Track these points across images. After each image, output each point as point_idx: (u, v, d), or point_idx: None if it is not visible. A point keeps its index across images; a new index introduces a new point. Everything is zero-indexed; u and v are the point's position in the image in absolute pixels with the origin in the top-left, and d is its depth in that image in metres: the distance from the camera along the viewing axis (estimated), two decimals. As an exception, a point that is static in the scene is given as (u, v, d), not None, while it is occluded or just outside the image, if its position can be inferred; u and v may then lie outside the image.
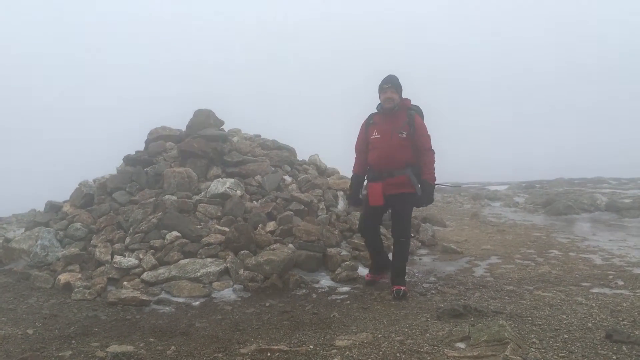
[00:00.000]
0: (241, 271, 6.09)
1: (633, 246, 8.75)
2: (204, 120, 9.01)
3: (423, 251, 8.28)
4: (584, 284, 5.97)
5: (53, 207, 8.24)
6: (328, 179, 9.09)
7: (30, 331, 4.56)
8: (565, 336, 4.07)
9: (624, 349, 3.77)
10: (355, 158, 6.07)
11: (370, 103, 6.03)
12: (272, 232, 6.99)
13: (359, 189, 6.14)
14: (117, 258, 6.22)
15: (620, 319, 4.51)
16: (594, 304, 5.01)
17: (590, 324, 4.36)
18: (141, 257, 6.30)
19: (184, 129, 9.29)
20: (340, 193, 8.58)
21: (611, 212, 13.86)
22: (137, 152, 8.92)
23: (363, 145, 5.92)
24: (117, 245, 6.61)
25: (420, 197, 5.67)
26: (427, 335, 4.19)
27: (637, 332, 4.13)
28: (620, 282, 5.95)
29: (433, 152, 5.71)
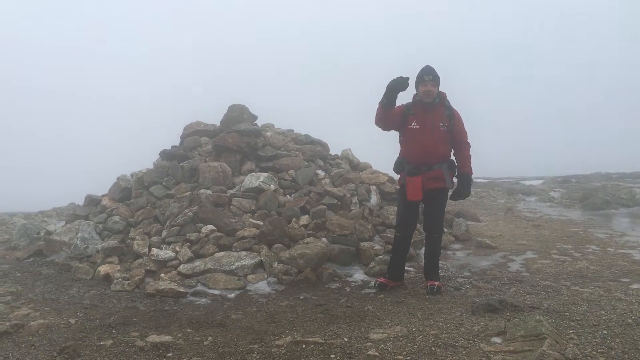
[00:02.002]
0: (275, 264, 6.16)
1: (674, 242, 8.52)
2: (237, 115, 9.11)
3: (457, 246, 8.21)
4: (623, 279, 5.85)
5: (92, 201, 8.45)
6: (361, 173, 9.09)
7: (72, 321, 4.70)
8: (605, 332, 4.00)
9: (666, 345, 3.69)
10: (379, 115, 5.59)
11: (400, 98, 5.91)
12: (305, 226, 7.04)
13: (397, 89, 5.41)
14: (154, 251, 6.35)
15: (661, 316, 4.41)
16: (634, 300, 4.91)
17: (630, 320, 4.28)
18: (177, 249, 6.42)
19: (218, 124, 9.41)
20: (373, 187, 8.57)
21: (651, 207, 13.51)
22: (173, 146, 9.07)
23: (395, 121, 5.59)
24: (154, 238, 6.75)
25: (457, 190, 5.61)
26: (462, 329, 4.18)
27: (679, 329, 4.04)
28: (661, 279, 5.81)
29: (470, 146, 5.65)
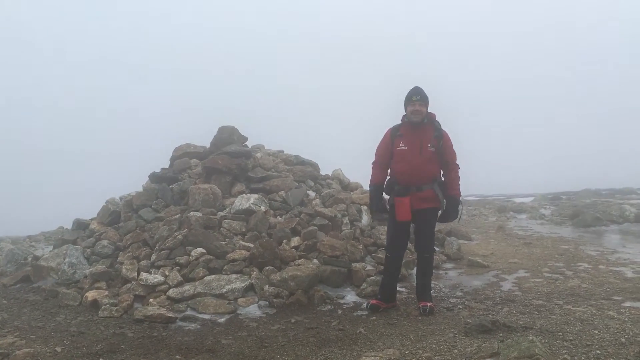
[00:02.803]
0: (266, 287, 6.09)
1: (665, 258, 8.54)
2: (227, 136, 9.09)
3: (449, 265, 8.19)
4: (616, 297, 5.84)
5: (80, 225, 8.37)
6: (351, 193, 9.07)
7: (58, 349, 4.61)
8: (598, 352, 3.98)
9: (660, 365, 3.67)
10: (375, 167, 5.87)
11: (390, 118, 5.96)
12: (296, 248, 6.99)
13: (381, 199, 5.91)
14: (143, 275, 6.27)
15: (655, 334, 4.39)
16: (626, 319, 4.89)
17: (623, 339, 4.26)
18: (167, 273, 6.34)
19: (208, 145, 9.38)
20: (364, 207, 8.56)
21: (641, 224, 13.56)
22: (163, 169, 9.02)
23: (386, 156, 5.75)
24: (143, 262, 6.67)
25: (447, 213, 5.60)
26: (456, 351, 4.14)
27: (672, 348, 4.02)
28: (653, 296, 5.80)
29: (459, 167, 5.65)
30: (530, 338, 3.90)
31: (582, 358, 3.86)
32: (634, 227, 13.35)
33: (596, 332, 4.49)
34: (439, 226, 6.12)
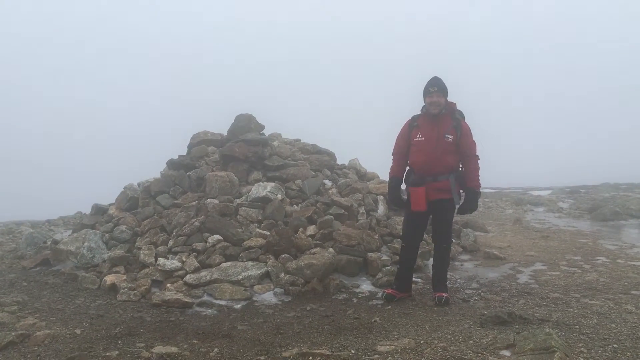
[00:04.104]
0: (282, 275, 6.13)
1: (685, 254, 8.43)
2: (245, 124, 9.11)
3: (465, 257, 8.15)
4: (634, 292, 5.78)
5: (99, 210, 8.46)
6: (368, 183, 9.06)
7: (78, 331, 4.68)
8: (615, 345, 3.95)
9: (678, 360, 3.63)
10: (394, 160, 5.88)
11: (412, 107, 5.93)
12: (312, 236, 7.01)
13: (399, 191, 5.93)
14: (161, 260, 6.33)
15: (674, 329, 4.35)
16: (644, 313, 4.84)
17: (641, 334, 4.22)
18: (184, 259, 6.40)
19: (225, 133, 9.42)
20: (381, 197, 8.54)
21: (661, 219, 13.38)
22: (180, 156, 9.08)
23: (404, 147, 5.75)
24: (161, 248, 6.74)
25: (464, 205, 5.57)
26: (471, 342, 4.13)
27: (691, 343, 3.98)
28: (673, 291, 5.74)
29: (478, 159, 5.60)
30: (547, 330, 3.88)
31: (599, 351, 3.83)
32: (653, 222, 13.18)
33: (613, 325, 4.46)
34: (455, 217, 6.08)
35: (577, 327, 4.44)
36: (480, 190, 5.61)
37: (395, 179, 5.86)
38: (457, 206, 5.62)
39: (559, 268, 7.26)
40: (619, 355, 3.77)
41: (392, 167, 5.90)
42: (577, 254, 8.46)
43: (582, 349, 3.89)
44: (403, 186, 5.90)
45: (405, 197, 5.83)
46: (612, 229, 12.13)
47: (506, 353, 3.80)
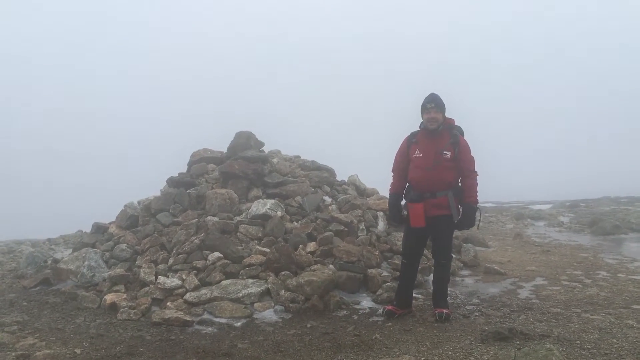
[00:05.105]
0: (282, 292, 6.12)
1: (686, 267, 8.41)
2: (244, 142, 9.15)
3: (465, 272, 8.14)
4: (635, 306, 5.76)
5: (99, 229, 8.47)
6: (368, 199, 9.07)
7: (78, 351, 4.67)
8: (617, 361, 3.94)
9: (680, 375, 3.62)
10: (394, 176, 5.92)
11: (409, 124, 5.97)
12: (312, 253, 7.01)
13: (399, 208, 5.94)
14: (161, 279, 6.33)
15: (675, 344, 4.34)
16: (646, 328, 4.83)
17: (642, 349, 4.21)
18: (184, 277, 6.39)
19: (225, 150, 9.45)
20: (380, 213, 8.55)
21: (661, 232, 13.38)
22: (180, 174, 9.11)
23: (403, 164, 5.79)
24: (161, 266, 6.74)
25: (462, 220, 5.57)
26: (472, 358, 4.12)
27: (693, 358, 3.97)
28: (674, 305, 5.72)
29: (476, 174, 5.62)
30: (548, 346, 3.88)
31: (601, 367, 3.83)
32: (654, 236, 13.18)
33: (615, 340, 4.45)
34: (455, 233, 6.09)
35: (578, 342, 4.43)
36: (478, 205, 5.61)
37: (395, 195, 5.89)
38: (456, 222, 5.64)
39: (560, 283, 7.25)
40: (620, 370, 3.76)
41: (392, 184, 5.93)
42: (578, 268, 8.45)
43: (583, 364, 3.88)
44: (403, 202, 5.92)
45: (405, 213, 5.84)
46: (612, 243, 12.12)
47: (507, 369, 3.79)
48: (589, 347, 4.30)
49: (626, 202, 21.40)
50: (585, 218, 16.15)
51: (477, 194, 5.58)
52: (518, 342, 4.42)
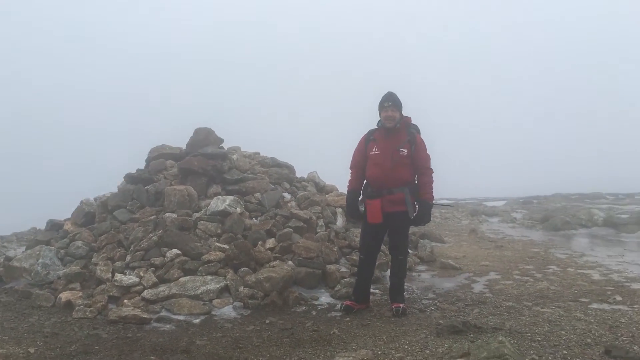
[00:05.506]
0: (241, 288, 6.13)
1: (631, 261, 8.80)
2: (203, 138, 9.09)
3: (422, 267, 8.31)
4: (583, 299, 6.01)
5: (54, 226, 8.28)
6: (327, 195, 9.14)
7: (31, 350, 4.58)
8: (565, 352, 4.11)
9: (622, 364, 3.81)
10: (352, 173, 5.99)
11: (368, 121, 6.06)
12: (271, 249, 7.03)
13: (356, 204, 6.03)
14: (118, 276, 6.25)
15: (619, 335, 4.56)
16: (592, 320, 5.05)
17: (589, 340, 4.41)
18: (142, 275, 6.32)
19: (184, 147, 9.37)
20: (339, 210, 8.63)
21: (608, 228, 13.94)
22: (138, 170, 8.98)
23: (361, 161, 5.87)
24: (118, 264, 6.65)
25: (418, 216, 5.69)
26: (427, 351, 4.23)
27: (635, 348, 4.18)
28: (619, 298, 5.99)
29: (432, 171, 5.75)
30: (500, 339, 4.01)
31: (550, 358, 3.99)
32: (602, 231, 13.71)
33: (563, 332, 4.64)
34: (412, 229, 6.22)
35: (529, 334, 4.60)
36: (434, 202, 5.74)
37: (352, 192, 5.97)
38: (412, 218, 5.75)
39: (512, 277, 7.48)
40: (567, 361, 3.93)
41: (350, 181, 6.01)
42: (530, 263, 8.73)
43: (533, 356, 4.03)
44: (361, 197, 6.00)
45: (362, 209, 5.93)
46: (562, 238, 12.56)
47: (460, 361, 3.90)
48: (539, 339, 4.47)
49: (576, 199, 22.16)
50: (538, 214, 16.66)
51: (433, 190, 5.71)
52: (472, 335, 4.55)
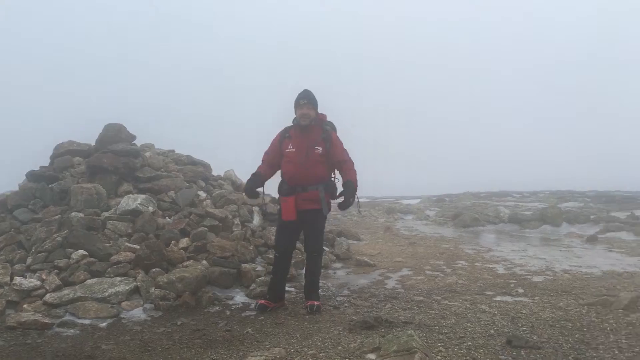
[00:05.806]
0: (152, 290, 5.93)
1: (533, 255, 9.31)
2: (114, 134, 8.72)
3: (337, 265, 8.39)
4: (488, 292, 6.28)
5: (-54, 227, 7.67)
6: (243, 194, 9.03)
7: None
8: (469, 343, 4.27)
9: (522, 353, 4.02)
10: (261, 164, 5.92)
11: (284, 118, 6.04)
12: (185, 249, 6.86)
13: (256, 185, 5.90)
14: (17, 279, 5.87)
15: (520, 325, 4.80)
16: (496, 312, 5.29)
17: (492, 331, 4.60)
18: (44, 277, 5.98)
19: (93, 143, 8.95)
20: (256, 208, 8.57)
21: (513, 224, 14.72)
22: (42, 167, 8.49)
23: (275, 158, 5.84)
24: (18, 266, 6.25)
25: (344, 200, 5.59)
26: (339, 347, 4.26)
27: (535, 337, 4.41)
28: (521, 290, 6.31)
29: (352, 163, 5.77)
30: (409, 332, 4.10)
31: (455, 349, 4.12)
32: (507, 227, 14.46)
33: (469, 325, 4.82)
34: (330, 226, 6.26)
35: (437, 327, 4.74)
36: (357, 187, 5.69)
37: (257, 174, 5.89)
38: (336, 202, 5.73)
39: (424, 272, 7.71)
40: (472, 352, 4.08)
41: (258, 167, 5.94)
42: (440, 258, 9.04)
43: (440, 348, 4.16)
44: (274, 194, 5.97)
45: (261, 190, 5.97)
46: (471, 234, 13.11)
47: (372, 356, 3.96)
48: (446, 331, 4.62)
49: (485, 197, 23.21)
50: (449, 212, 17.31)
51: (356, 174, 5.72)
52: (383, 330, 4.64)
